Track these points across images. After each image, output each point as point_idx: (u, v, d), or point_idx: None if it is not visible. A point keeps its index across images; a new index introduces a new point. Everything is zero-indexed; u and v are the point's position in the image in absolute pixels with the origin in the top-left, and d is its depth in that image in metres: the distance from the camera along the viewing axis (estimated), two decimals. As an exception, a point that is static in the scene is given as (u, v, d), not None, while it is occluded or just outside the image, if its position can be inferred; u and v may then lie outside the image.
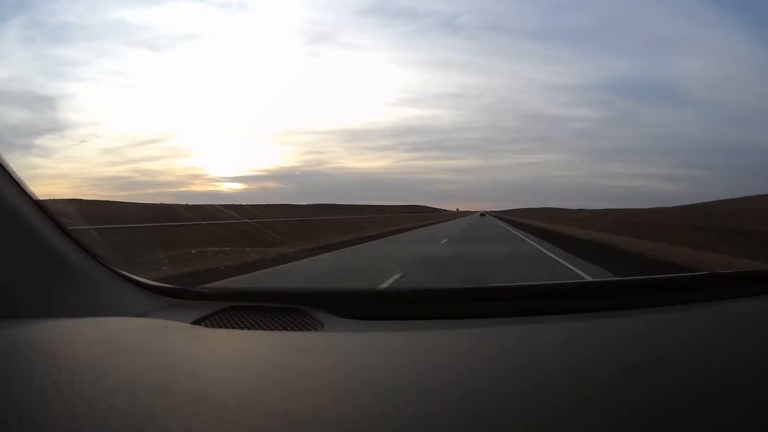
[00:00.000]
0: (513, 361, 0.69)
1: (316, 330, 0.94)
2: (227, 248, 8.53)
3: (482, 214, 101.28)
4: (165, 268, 5.95)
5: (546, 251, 11.42)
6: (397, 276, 6.58)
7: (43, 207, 0.95)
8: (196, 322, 0.97)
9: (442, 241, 14.96)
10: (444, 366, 0.67)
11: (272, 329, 0.96)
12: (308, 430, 0.46)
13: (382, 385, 0.59)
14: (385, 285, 5.74)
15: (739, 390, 0.54)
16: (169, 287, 1.15)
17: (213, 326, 0.97)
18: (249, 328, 0.96)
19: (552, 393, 0.55)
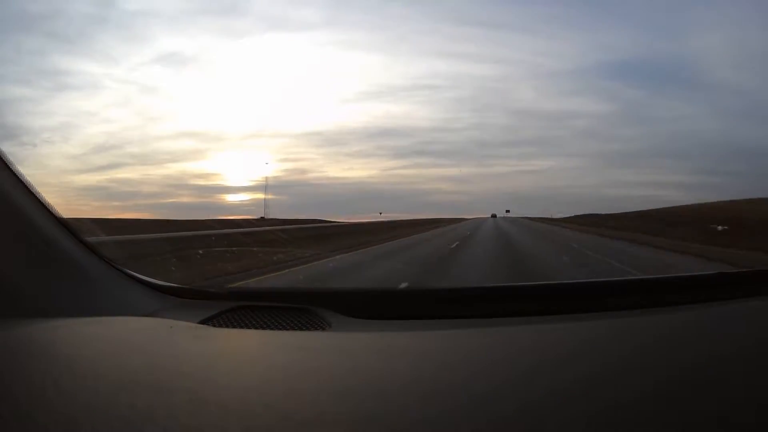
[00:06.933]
0: (519, 362, 0.69)
1: (323, 330, 0.94)
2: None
3: (493, 216, 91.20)
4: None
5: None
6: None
7: (50, 207, 0.94)
8: (203, 322, 0.96)
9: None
10: (449, 366, 0.67)
11: (279, 329, 0.95)
12: (308, 430, 0.46)
13: (386, 385, 0.59)
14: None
15: (739, 390, 0.55)
16: (176, 287, 1.14)
17: (219, 326, 0.97)
18: (256, 328, 0.96)
19: (558, 395, 0.54)
